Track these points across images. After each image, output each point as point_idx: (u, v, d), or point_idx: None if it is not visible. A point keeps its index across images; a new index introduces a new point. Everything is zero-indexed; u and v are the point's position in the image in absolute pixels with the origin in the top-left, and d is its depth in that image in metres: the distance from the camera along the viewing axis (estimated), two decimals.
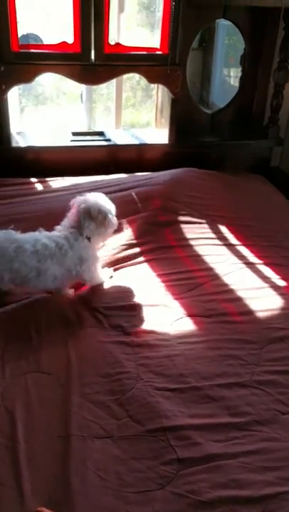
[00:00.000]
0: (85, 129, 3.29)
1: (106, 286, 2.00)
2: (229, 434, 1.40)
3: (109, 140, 3.06)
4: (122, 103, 3.33)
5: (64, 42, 2.65)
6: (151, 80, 2.85)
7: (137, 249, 2.22)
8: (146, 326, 1.80)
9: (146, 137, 3.17)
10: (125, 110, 3.82)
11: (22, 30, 2.90)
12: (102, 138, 3.09)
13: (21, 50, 2.64)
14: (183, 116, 3.02)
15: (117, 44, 2.72)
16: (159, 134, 3.17)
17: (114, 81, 3.18)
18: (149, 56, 2.79)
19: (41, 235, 1.86)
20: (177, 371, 1.60)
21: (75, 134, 3.10)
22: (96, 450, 1.34)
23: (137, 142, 3.08)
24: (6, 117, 2.80)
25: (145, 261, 2.16)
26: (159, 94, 3.19)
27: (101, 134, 3.15)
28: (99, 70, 2.73)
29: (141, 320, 1.82)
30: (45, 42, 2.85)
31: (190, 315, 1.87)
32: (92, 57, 2.68)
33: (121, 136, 3.16)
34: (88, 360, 1.62)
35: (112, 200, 2.01)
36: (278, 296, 1.97)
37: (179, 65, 2.82)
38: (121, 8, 3.05)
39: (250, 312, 1.89)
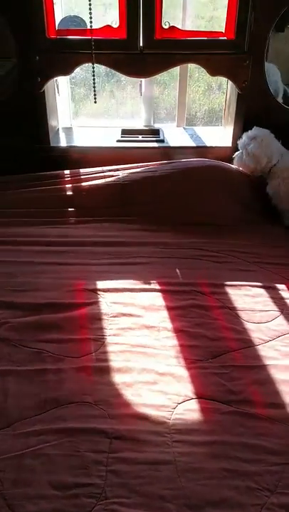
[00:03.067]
0: (142, 126, 2.87)
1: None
2: None
3: (162, 141, 2.62)
4: (186, 97, 2.84)
5: (107, 26, 2.24)
6: (213, 71, 2.35)
7: (153, 286, 1.82)
8: (138, 406, 1.38)
9: (210, 138, 2.68)
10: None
11: (62, 12, 2.54)
12: (154, 137, 2.66)
13: (58, 37, 2.28)
14: (256, 115, 2.48)
15: (172, 28, 2.25)
16: (225, 134, 2.66)
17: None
18: (210, 42, 2.28)
19: None
20: (158, 489, 1.18)
21: (125, 131, 2.70)
22: None
23: (193, 144, 2.61)
24: (44, 113, 2.46)
25: (162, 307, 1.73)
26: (228, 86, 2.66)
27: (156, 132, 2.72)
28: (148, 59, 2.29)
29: (134, 395, 1.41)
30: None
31: (201, 396, 1.42)
32: (141, 44, 2.25)
33: (178, 136, 2.70)
34: (48, 459, 1.24)
35: None
36: None
37: (249, 53, 2.28)
38: None
39: (282, 405, 1.39)
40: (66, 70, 2.35)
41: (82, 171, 2.40)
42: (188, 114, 3.11)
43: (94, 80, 2.14)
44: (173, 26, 2.25)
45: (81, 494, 1.17)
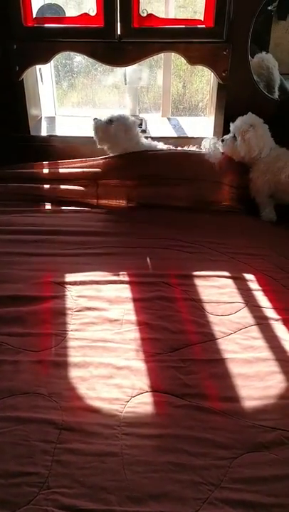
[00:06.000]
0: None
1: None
2: None
3: (144, 131, 2.60)
4: (170, 86, 2.81)
5: (85, 14, 2.22)
6: (192, 60, 2.32)
7: (122, 277, 1.82)
8: (91, 399, 1.38)
9: (192, 128, 2.65)
10: None
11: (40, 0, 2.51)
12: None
13: (35, 25, 2.25)
14: (239, 105, 2.43)
15: (150, 16, 2.22)
16: (208, 124, 2.63)
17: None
18: (188, 31, 2.25)
19: None
20: (102, 481, 1.18)
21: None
22: None
23: (175, 135, 2.59)
24: (23, 102, 2.45)
25: (127, 300, 1.72)
26: (211, 76, 2.62)
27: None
28: (126, 48, 2.26)
29: (88, 389, 1.41)
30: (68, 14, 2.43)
31: (156, 389, 1.41)
32: (118, 32, 2.22)
33: (160, 126, 2.68)
34: None
35: None
36: (284, 377, 1.43)
37: (228, 42, 2.24)
38: None
39: (236, 398, 1.38)
40: (44, 59, 2.33)
41: (59, 162, 2.38)
42: (190, 104, 3.09)
43: None
44: (151, 14, 2.22)
45: (24, 483, 1.17)
